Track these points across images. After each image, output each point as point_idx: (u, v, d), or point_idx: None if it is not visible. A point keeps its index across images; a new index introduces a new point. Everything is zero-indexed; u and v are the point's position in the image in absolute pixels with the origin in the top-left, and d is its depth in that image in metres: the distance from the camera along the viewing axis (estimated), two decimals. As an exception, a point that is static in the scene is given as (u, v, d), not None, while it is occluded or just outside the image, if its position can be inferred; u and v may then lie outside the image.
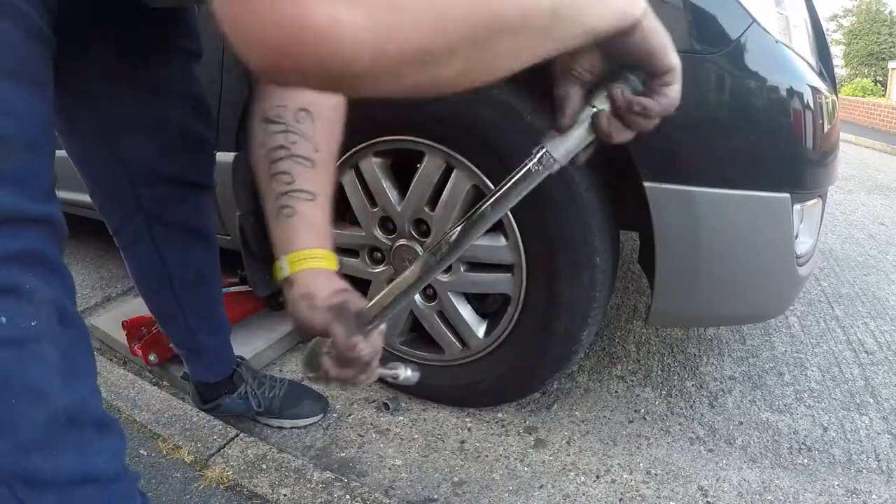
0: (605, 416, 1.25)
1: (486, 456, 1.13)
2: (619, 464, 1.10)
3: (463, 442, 1.17)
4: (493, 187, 1.00)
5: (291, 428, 1.20)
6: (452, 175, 1.04)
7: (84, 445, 0.58)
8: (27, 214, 0.52)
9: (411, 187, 1.08)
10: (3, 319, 0.50)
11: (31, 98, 0.53)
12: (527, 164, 0.49)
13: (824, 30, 1.35)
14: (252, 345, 1.44)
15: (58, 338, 0.55)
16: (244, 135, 1.15)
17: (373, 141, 1.08)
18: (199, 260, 1.02)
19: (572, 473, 1.08)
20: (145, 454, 1.05)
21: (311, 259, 0.62)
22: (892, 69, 21.61)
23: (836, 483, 1.06)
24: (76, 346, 0.58)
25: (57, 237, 0.56)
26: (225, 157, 1.17)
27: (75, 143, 0.88)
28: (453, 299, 1.13)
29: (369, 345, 0.58)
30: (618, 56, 0.43)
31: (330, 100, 0.67)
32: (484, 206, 0.51)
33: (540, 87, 0.95)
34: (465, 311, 1.14)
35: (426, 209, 1.08)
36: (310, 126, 0.64)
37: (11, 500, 0.55)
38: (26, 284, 0.52)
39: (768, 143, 0.87)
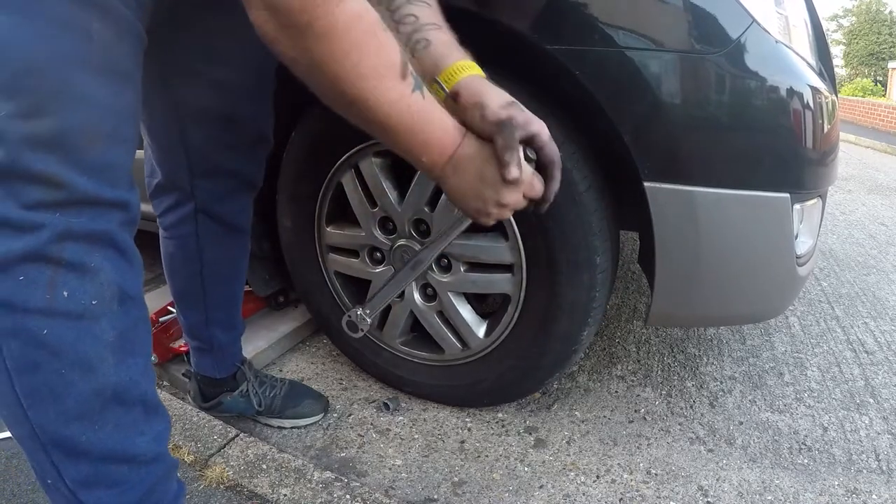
0: (605, 416, 1.25)
1: (486, 456, 1.13)
2: (619, 464, 1.10)
3: (463, 442, 1.17)
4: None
5: (292, 428, 1.20)
6: None
7: (127, 424, 0.60)
8: (103, 199, 0.55)
9: (411, 187, 1.08)
10: (66, 293, 0.53)
11: (115, 92, 0.56)
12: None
13: (824, 30, 1.35)
14: (253, 344, 1.44)
15: (116, 318, 0.57)
16: None
17: (373, 140, 1.08)
18: (234, 256, 1.05)
19: (572, 473, 1.08)
20: (145, 454, 1.05)
21: (466, 69, 0.64)
22: (892, 69, 21.61)
23: (836, 483, 1.06)
24: (133, 329, 0.60)
25: (130, 223, 0.59)
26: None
27: (149, 121, 0.90)
28: (453, 299, 1.13)
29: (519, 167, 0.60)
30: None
31: None
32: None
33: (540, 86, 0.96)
34: (465, 311, 1.14)
35: (426, 209, 1.08)
36: None
37: (46, 464, 0.58)
38: (92, 263, 0.55)
39: (768, 143, 0.87)
